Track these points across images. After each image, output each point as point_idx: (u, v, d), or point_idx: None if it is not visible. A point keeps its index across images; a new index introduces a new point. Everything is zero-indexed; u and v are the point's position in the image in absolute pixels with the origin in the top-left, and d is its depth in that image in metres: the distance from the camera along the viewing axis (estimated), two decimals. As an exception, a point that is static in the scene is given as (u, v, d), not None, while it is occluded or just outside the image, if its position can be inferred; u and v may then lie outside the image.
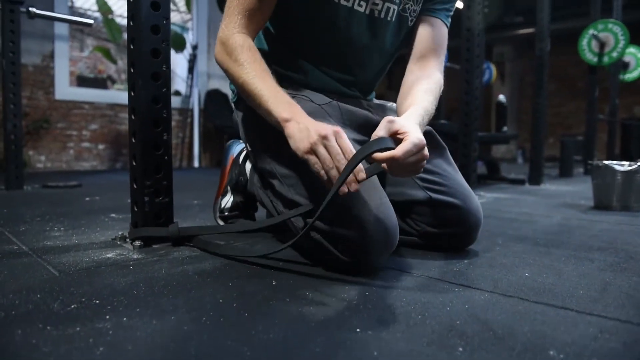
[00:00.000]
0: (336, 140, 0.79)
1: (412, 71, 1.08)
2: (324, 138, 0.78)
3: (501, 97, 3.61)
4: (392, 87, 9.34)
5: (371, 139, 0.81)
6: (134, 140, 1.10)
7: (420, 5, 1.08)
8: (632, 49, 5.69)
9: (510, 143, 9.04)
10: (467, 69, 2.33)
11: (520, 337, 0.59)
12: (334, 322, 0.63)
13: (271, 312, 0.67)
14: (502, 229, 1.40)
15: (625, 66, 5.69)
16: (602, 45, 4.54)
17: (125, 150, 4.72)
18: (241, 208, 1.26)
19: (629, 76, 5.85)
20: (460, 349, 0.55)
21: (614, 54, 4.60)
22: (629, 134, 7.39)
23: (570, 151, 4.10)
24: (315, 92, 1.05)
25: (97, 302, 0.70)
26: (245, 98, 0.95)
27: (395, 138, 0.81)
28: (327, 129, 0.80)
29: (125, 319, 0.64)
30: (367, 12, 1.02)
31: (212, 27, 5.46)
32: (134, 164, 1.11)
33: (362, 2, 1.01)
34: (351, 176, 0.77)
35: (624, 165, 1.90)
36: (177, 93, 5.44)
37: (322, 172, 0.78)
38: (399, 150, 0.77)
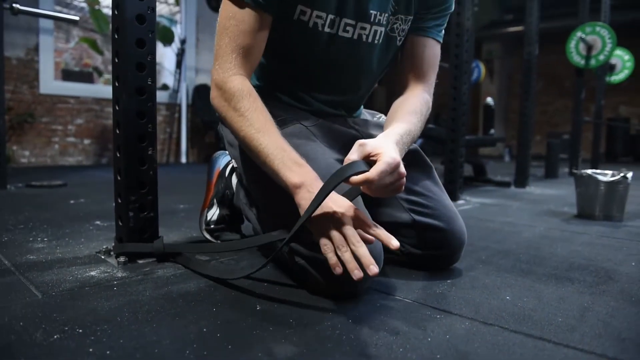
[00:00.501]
0: (352, 216, 0.78)
1: (400, 94, 1.07)
2: (338, 221, 0.77)
3: (489, 100, 3.63)
4: (381, 82, 9.36)
5: (343, 164, 0.81)
6: (118, 155, 1.09)
7: (409, 24, 1.05)
8: (618, 52, 5.75)
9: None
10: (455, 75, 2.34)
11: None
12: (315, 355, 0.64)
13: (253, 342, 0.67)
14: (486, 242, 1.41)
15: (611, 68, 5.75)
16: (589, 48, 4.59)
17: (111, 145, 4.67)
18: (227, 221, 1.26)
19: (615, 78, 5.92)
20: (439, 389, 0.57)
21: (601, 57, 4.64)
22: (614, 134, 7.51)
23: (556, 152, 4.15)
24: (300, 111, 1.05)
25: (80, 331, 0.70)
26: (246, 151, 0.91)
27: (369, 160, 0.80)
28: (341, 209, 0.78)
29: (108, 352, 0.64)
30: (355, 37, 1.00)
31: (200, 21, 5.41)
32: (119, 178, 1.10)
33: (348, 28, 0.99)
34: (369, 259, 0.74)
35: (607, 176, 1.93)
36: (165, 87, 5.39)
37: (331, 255, 0.75)
38: (372, 172, 0.76)
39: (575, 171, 2.04)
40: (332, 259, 0.74)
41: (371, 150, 0.80)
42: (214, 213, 1.26)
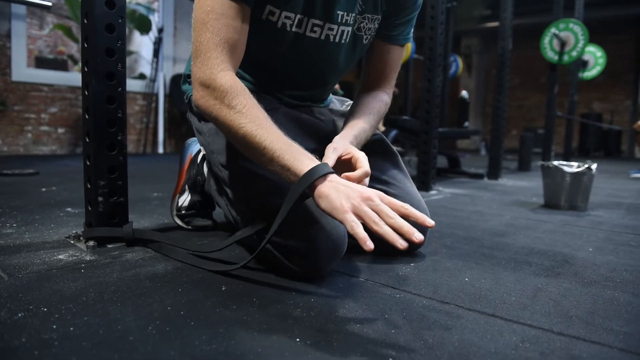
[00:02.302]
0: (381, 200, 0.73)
1: (362, 95, 1.11)
2: (367, 199, 0.72)
3: (464, 93, 3.70)
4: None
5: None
6: (87, 140, 1.10)
7: (377, 23, 1.06)
8: (591, 48, 5.89)
9: (474, 135, 9.27)
10: (428, 67, 2.37)
11: (448, 347, 0.63)
12: (277, 331, 0.66)
13: (217, 320, 0.69)
14: (453, 230, 1.45)
15: (584, 64, 5.89)
16: (562, 44, 4.68)
17: (86, 134, 4.60)
18: (198, 207, 1.27)
19: (588, 74, 6.06)
20: (390, 359, 0.59)
21: (574, 53, 4.75)
22: (586, 129, 7.69)
23: (529, 146, 4.24)
24: (264, 95, 1.06)
25: (45, 309, 0.71)
26: (245, 150, 0.84)
27: (341, 160, 0.88)
28: (369, 191, 0.74)
29: (72, 328, 0.65)
30: (323, 37, 1.00)
31: (178, 10, 5.34)
32: (88, 163, 1.10)
33: (315, 29, 0.98)
34: (409, 227, 0.69)
35: (572, 167, 2.00)
36: (142, 76, 5.33)
37: (360, 229, 0.69)
38: (366, 168, 0.85)
39: (542, 163, 2.10)
40: (361, 233, 0.67)
41: (341, 152, 0.90)
42: (185, 199, 1.27)
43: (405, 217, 0.72)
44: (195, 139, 1.35)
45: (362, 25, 1.04)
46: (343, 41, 1.04)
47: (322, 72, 1.08)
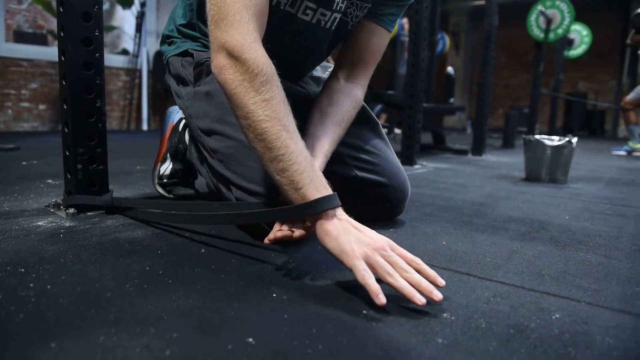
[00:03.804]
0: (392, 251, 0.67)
1: (337, 80, 1.02)
2: (380, 249, 0.66)
3: (449, 69, 3.70)
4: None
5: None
6: (65, 107, 1.08)
7: (365, 11, 1.01)
8: (577, 26, 5.91)
9: (461, 113, 9.30)
10: (414, 41, 2.36)
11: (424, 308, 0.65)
12: (254, 288, 0.67)
13: (195, 279, 0.70)
14: (434, 200, 1.47)
15: (570, 43, 5.91)
16: (549, 21, 4.69)
17: (69, 111, 4.52)
18: (180, 176, 1.26)
19: (573, 53, 6.10)
20: (364, 311, 0.61)
21: (560, 31, 4.76)
22: (571, 109, 7.76)
23: (513, 124, 4.27)
24: None
25: (22, 270, 0.71)
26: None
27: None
28: (381, 239, 0.68)
29: (49, 287, 0.65)
30: (314, 21, 0.97)
31: (161, -17, 5.22)
32: (66, 131, 1.09)
33: (308, 11, 0.95)
34: (428, 285, 0.63)
35: (554, 141, 2.02)
36: (125, 52, 5.23)
37: (372, 281, 0.62)
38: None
39: (524, 136, 2.12)
40: (373, 285, 0.61)
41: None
42: (167, 167, 1.26)
43: (417, 271, 0.65)
44: (176, 107, 1.34)
45: (349, 10, 0.99)
46: (333, 27, 1.01)
47: (307, 55, 1.07)
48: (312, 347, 0.51)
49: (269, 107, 0.72)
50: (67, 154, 1.10)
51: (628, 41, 4.17)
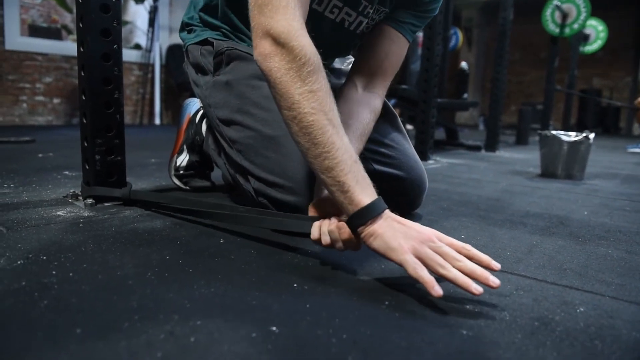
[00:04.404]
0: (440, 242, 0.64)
1: (354, 89, 0.99)
2: (428, 240, 0.63)
3: (463, 64, 3.67)
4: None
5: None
6: (84, 98, 1.09)
7: (382, 15, 0.99)
8: (593, 22, 5.83)
9: (473, 110, 9.23)
10: (429, 36, 2.34)
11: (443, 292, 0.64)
12: (275, 277, 0.67)
13: (215, 268, 0.70)
14: (449, 194, 1.46)
15: (585, 38, 5.83)
16: (564, 16, 4.63)
17: (82, 105, 4.56)
18: (197, 167, 1.27)
19: (589, 48, 6.02)
20: (387, 302, 0.61)
21: (575, 26, 4.70)
22: (585, 106, 7.66)
23: (527, 120, 4.23)
24: None
25: (44, 258, 0.71)
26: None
27: None
28: (427, 230, 0.65)
29: (71, 274, 0.65)
30: (338, 20, 0.96)
31: (174, -22, 5.24)
32: (85, 122, 1.09)
33: (334, 10, 0.94)
34: (483, 272, 0.60)
35: (570, 136, 2.00)
36: (138, 46, 5.25)
37: (425, 273, 0.59)
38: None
39: (540, 132, 2.10)
40: (427, 276, 0.58)
41: None
42: (183, 159, 1.26)
43: (469, 259, 0.63)
44: (192, 99, 1.34)
45: (367, 11, 0.97)
46: (358, 31, 0.99)
47: (326, 52, 1.06)
48: (335, 337, 0.50)
49: (315, 99, 0.68)
50: (86, 144, 1.11)
51: None
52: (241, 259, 0.75)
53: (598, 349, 0.51)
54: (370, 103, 0.97)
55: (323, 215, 0.76)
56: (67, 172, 1.55)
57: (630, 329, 0.57)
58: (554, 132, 2.02)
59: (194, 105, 1.31)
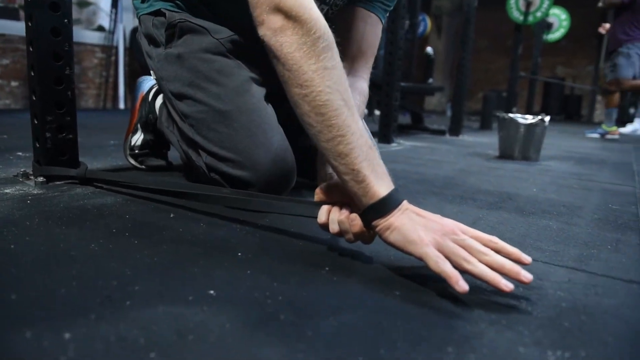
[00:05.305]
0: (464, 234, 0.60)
1: None
2: (451, 233, 0.58)
3: (429, 50, 3.71)
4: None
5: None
6: (32, 74, 1.06)
7: (345, 0, 0.97)
8: (556, 10, 5.96)
9: (442, 96, 9.35)
10: (392, 19, 2.36)
11: (382, 257, 0.67)
12: (220, 248, 0.68)
13: (161, 240, 0.70)
14: (407, 174, 1.49)
15: (548, 27, 5.97)
16: (528, 4, 4.72)
17: (42, 88, 4.41)
18: (151, 146, 1.25)
19: (552, 36, 6.17)
20: (327, 268, 0.62)
21: (538, 14, 4.80)
22: (549, 93, 7.87)
23: (491, 106, 4.32)
24: (217, 24, 0.97)
25: (-14, 232, 0.70)
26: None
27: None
28: (449, 222, 0.60)
29: (12, 246, 0.65)
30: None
31: (138, -42, 5.09)
32: (34, 99, 1.07)
33: (323, 6, 0.94)
34: (512, 266, 0.55)
35: (527, 119, 2.06)
36: (101, 28, 5.10)
37: (448, 266, 0.54)
38: None
39: (498, 114, 2.15)
40: (450, 270, 0.53)
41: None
42: (138, 138, 1.25)
43: (496, 252, 0.58)
44: (146, 77, 1.32)
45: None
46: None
47: None
48: (272, 298, 0.52)
49: (331, 77, 0.63)
50: (36, 122, 1.08)
51: (600, 4, 4.22)
52: (190, 232, 0.75)
53: (522, 307, 0.55)
54: (357, 87, 0.97)
55: (331, 202, 0.70)
56: (20, 153, 1.51)
57: (556, 289, 0.61)
58: (511, 115, 2.08)
59: (147, 83, 1.29)
